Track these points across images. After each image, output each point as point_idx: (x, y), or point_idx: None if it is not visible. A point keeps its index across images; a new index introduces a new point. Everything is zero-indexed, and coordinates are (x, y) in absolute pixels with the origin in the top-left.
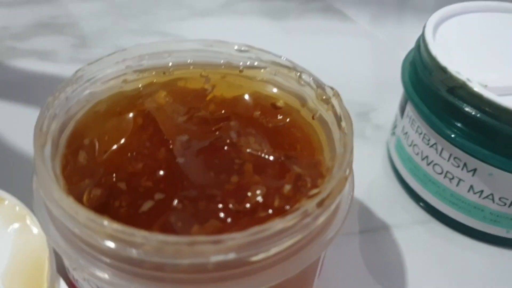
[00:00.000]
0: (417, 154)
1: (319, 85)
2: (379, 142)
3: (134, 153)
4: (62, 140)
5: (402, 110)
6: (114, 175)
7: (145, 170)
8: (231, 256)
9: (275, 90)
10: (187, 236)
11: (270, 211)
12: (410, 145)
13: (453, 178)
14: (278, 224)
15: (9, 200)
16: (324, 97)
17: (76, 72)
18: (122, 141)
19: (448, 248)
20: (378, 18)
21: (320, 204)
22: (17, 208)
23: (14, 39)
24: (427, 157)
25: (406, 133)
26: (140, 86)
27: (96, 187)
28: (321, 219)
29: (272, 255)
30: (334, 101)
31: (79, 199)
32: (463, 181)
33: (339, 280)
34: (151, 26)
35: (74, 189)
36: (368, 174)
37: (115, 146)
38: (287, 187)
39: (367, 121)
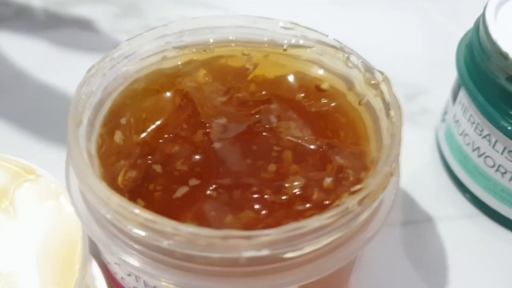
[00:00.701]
0: (468, 144)
1: (368, 69)
2: (428, 127)
3: (171, 135)
4: (99, 119)
5: (455, 96)
6: (150, 157)
7: (181, 153)
8: (264, 252)
9: (320, 71)
10: (220, 230)
11: (308, 205)
12: (460, 134)
13: (505, 172)
14: (315, 221)
15: (46, 177)
16: (372, 82)
17: (115, 48)
18: (160, 121)
19: (496, 245)
20: None
21: (362, 201)
22: (53, 185)
23: (57, 7)
24: (478, 148)
25: (457, 121)
26: (179, 63)
27: (132, 169)
28: (362, 217)
29: (307, 252)
30: (383, 86)
31: (113, 180)
32: None
33: (378, 273)
34: None
35: (109, 170)
36: (414, 161)
37: (152, 127)
38: (328, 180)
39: (416, 104)
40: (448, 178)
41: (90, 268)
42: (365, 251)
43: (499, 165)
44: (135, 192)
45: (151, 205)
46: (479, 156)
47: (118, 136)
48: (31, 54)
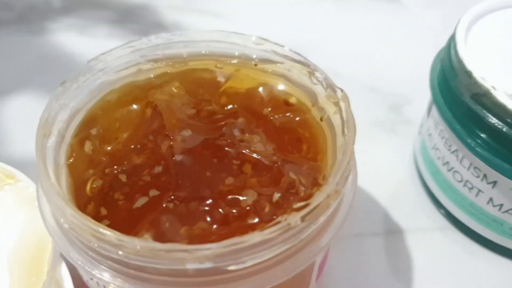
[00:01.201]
0: (439, 158)
1: (330, 85)
2: (408, 138)
3: (138, 146)
4: (71, 129)
5: (429, 109)
6: (116, 167)
7: (145, 164)
8: (208, 265)
9: (288, 86)
10: (164, 243)
11: (258, 219)
12: (432, 148)
13: (472, 188)
14: (256, 236)
15: (24, 182)
16: (332, 99)
17: (89, 61)
18: (128, 132)
19: (465, 258)
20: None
21: (305, 217)
22: (31, 189)
23: (55, 12)
24: (448, 162)
25: (430, 134)
26: (152, 76)
27: (99, 178)
28: (307, 232)
29: (250, 265)
30: (342, 104)
31: (82, 188)
32: (482, 192)
33: (352, 281)
34: (192, 3)
35: (78, 179)
36: (394, 173)
37: (120, 137)
38: (276, 196)
39: (398, 115)
40: (423, 190)
41: (60, 270)
42: (343, 257)
43: (466, 181)
44: (101, 201)
45: (114, 214)
46: (449, 170)
47: (88, 146)
48: (28, 59)
